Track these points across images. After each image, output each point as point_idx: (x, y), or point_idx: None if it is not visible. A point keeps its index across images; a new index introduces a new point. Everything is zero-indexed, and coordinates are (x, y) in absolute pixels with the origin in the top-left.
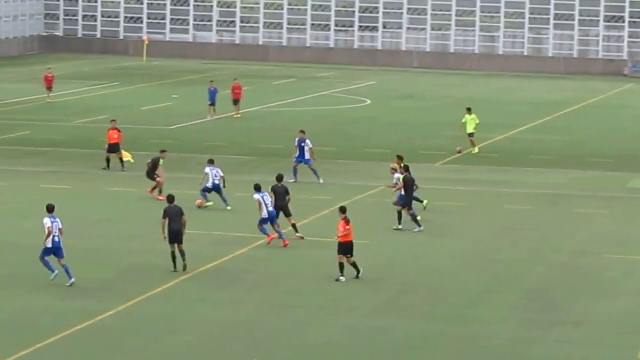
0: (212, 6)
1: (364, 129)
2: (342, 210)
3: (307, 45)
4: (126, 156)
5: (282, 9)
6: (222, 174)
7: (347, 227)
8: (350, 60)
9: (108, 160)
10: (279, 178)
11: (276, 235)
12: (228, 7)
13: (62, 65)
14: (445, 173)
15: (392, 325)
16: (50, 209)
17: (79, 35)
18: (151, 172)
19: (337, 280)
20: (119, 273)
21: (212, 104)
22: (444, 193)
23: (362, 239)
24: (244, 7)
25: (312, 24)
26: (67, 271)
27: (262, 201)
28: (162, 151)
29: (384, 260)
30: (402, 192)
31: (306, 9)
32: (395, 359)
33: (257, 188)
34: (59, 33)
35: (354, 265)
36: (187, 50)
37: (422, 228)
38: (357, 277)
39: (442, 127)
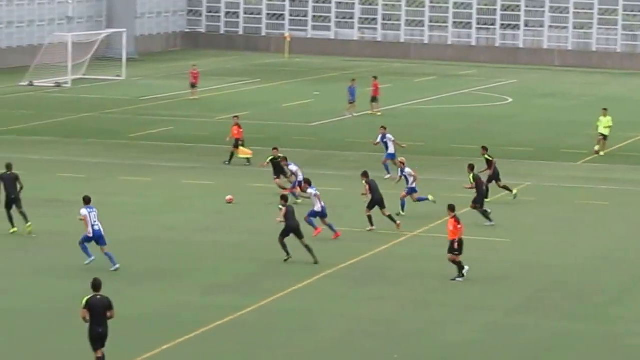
0: (354, 4)
1: (504, 127)
2: (452, 209)
3: (449, 43)
4: (245, 153)
5: (424, 6)
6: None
7: (459, 226)
8: (491, 58)
9: (232, 155)
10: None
11: (322, 229)
12: (370, 4)
13: (205, 62)
14: (587, 172)
15: (532, 324)
16: (87, 200)
17: (222, 32)
18: (279, 171)
19: (454, 280)
20: (261, 268)
21: (353, 101)
22: (586, 192)
23: (503, 238)
24: (386, 5)
25: (454, 22)
26: (110, 258)
27: (316, 196)
28: (274, 149)
29: (525, 258)
30: (410, 185)
31: (448, 7)
32: (536, 358)
33: (309, 183)
34: (202, 30)
35: (459, 264)
36: (328, 47)
37: (493, 223)
38: (459, 277)
39: (583, 126)
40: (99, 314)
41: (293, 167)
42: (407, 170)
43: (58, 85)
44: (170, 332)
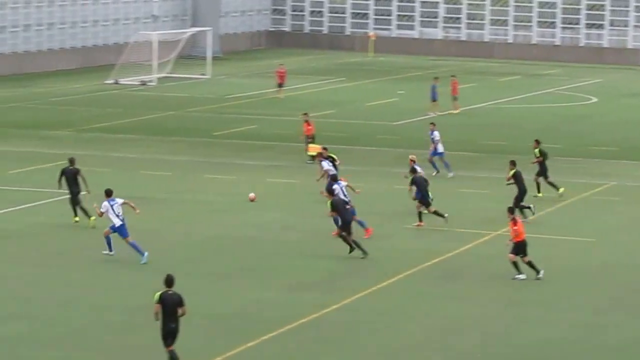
0: (438, 3)
1: (589, 127)
2: (511, 211)
3: (533, 42)
4: (314, 150)
5: (508, 6)
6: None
7: (515, 227)
8: (576, 57)
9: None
10: (414, 170)
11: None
12: (454, 3)
13: (289, 61)
14: None
15: (620, 323)
16: (109, 193)
17: (306, 30)
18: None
19: (514, 278)
20: (345, 267)
21: (435, 100)
22: None
23: (588, 237)
24: (471, 4)
25: (538, 21)
26: (136, 248)
27: (341, 192)
28: (324, 149)
29: (610, 258)
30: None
31: (532, 6)
32: (624, 358)
33: (335, 179)
34: (286, 28)
35: (531, 265)
36: (412, 46)
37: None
38: (538, 277)
39: None
40: (170, 309)
41: (325, 165)
42: (418, 167)
43: (143, 83)
44: (254, 329)
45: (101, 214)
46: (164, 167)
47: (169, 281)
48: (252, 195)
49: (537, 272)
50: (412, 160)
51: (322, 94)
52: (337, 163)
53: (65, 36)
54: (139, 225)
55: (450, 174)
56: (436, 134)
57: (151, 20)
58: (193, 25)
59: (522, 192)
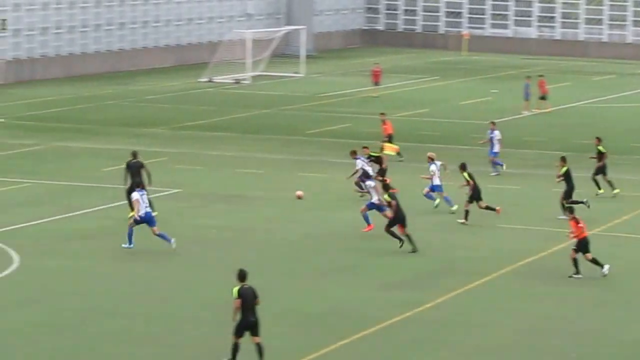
0: (532, 2)
1: None
2: (570, 211)
3: (628, 41)
4: (391, 149)
5: (603, 4)
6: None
7: (579, 225)
8: None
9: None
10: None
11: (374, 225)
12: (549, 2)
13: (383, 59)
14: None
15: None
16: (138, 184)
17: (400, 29)
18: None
19: (571, 277)
20: (440, 265)
21: (528, 99)
22: None
23: None
24: (565, 3)
25: (634, 21)
26: (164, 237)
27: (374, 188)
28: (364, 147)
29: None
30: (434, 183)
31: (627, 5)
32: None
33: (368, 175)
34: (380, 27)
35: (595, 261)
36: (506, 45)
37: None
38: (603, 273)
39: None
40: (249, 303)
41: (359, 163)
42: (433, 166)
43: (237, 81)
44: (350, 327)
45: (138, 204)
46: (257, 165)
47: (243, 275)
48: (299, 192)
49: (602, 267)
50: (430, 158)
51: (415, 93)
52: (383, 165)
53: (160, 34)
54: (236, 224)
55: (501, 170)
56: (497, 133)
57: (245, 18)
58: (287, 24)
59: (570, 188)
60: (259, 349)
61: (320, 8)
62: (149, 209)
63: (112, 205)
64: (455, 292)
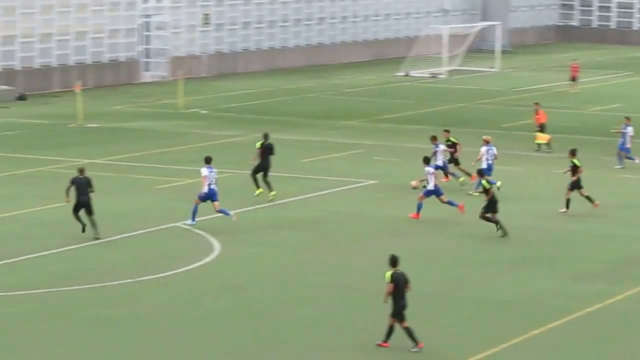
0: None
1: None
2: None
3: None
4: (542, 138)
5: None
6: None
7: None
8: None
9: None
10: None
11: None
12: None
13: (577, 55)
14: None
15: None
16: (208, 160)
17: (594, 25)
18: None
19: None
20: (630, 257)
21: None
22: None
23: None
24: None
25: None
26: (224, 212)
27: (432, 174)
28: (446, 131)
29: None
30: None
31: None
32: None
33: (428, 161)
34: (574, 23)
35: None
36: None
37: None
38: None
39: None
40: (401, 287)
41: (440, 148)
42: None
43: (433, 76)
44: (540, 317)
45: (205, 180)
46: None
47: (395, 261)
48: (414, 182)
49: None
50: (485, 141)
51: (609, 88)
52: (456, 151)
53: (358, 29)
54: (431, 216)
55: (618, 166)
56: (630, 129)
57: (442, 14)
58: (482, 20)
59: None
60: (409, 333)
61: (516, 4)
62: (213, 186)
63: (311, 195)
64: None
